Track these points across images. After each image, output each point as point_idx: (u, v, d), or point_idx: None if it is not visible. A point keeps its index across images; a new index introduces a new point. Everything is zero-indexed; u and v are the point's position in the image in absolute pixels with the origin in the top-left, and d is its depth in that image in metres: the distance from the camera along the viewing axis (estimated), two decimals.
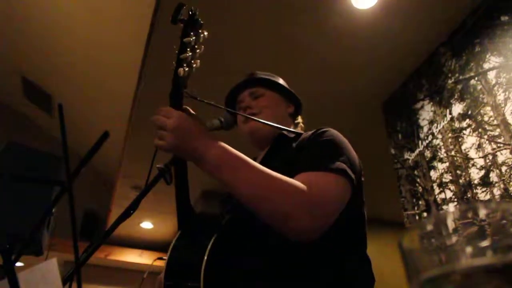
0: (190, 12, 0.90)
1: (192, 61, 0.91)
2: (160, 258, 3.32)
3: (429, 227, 0.30)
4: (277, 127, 1.12)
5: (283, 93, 1.29)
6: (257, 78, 1.29)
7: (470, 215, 0.30)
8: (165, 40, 2.64)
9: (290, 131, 1.17)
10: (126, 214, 0.93)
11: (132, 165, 4.07)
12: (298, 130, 1.26)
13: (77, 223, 0.74)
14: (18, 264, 0.79)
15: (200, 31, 0.92)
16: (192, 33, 0.90)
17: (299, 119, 1.35)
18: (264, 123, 1.11)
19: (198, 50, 0.93)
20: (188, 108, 0.98)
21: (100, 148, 0.77)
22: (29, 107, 5.43)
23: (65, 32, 4.00)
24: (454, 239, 0.29)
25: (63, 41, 4.13)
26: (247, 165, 0.89)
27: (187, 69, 0.90)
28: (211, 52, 0.93)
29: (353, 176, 0.95)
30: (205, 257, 0.91)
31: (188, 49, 0.90)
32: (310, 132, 1.12)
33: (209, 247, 0.93)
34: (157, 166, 0.96)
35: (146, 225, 5.61)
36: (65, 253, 3.97)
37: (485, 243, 0.28)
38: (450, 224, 0.30)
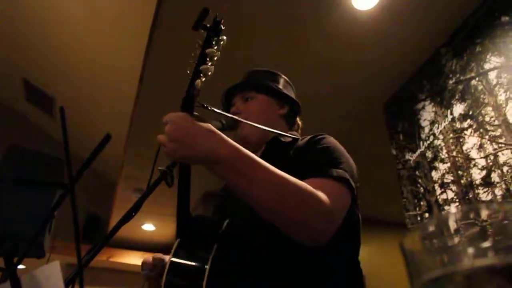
0: (215, 20, 0.83)
1: (208, 69, 0.87)
2: None
3: (431, 228, 0.30)
4: (271, 131, 1.11)
5: (275, 95, 1.27)
6: (247, 82, 1.29)
7: (472, 215, 0.30)
8: (166, 41, 2.65)
9: (284, 135, 1.16)
10: (128, 217, 0.92)
11: (133, 168, 4.07)
12: (294, 133, 1.24)
13: (79, 225, 0.74)
14: (20, 266, 0.80)
15: (220, 37, 0.86)
16: (214, 43, 0.85)
17: (298, 121, 1.34)
18: (260, 127, 1.09)
19: (215, 58, 0.87)
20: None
21: (102, 151, 0.77)
22: (31, 109, 5.45)
23: (66, 34, 4.01)
24: (456, 240, 0.29)
25: (65, 43, 4.14)
26: (263, 167, 0.84)
27: (203, 79, 0.85)
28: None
29: (354, 185, 0.96)
30: (206, 273, 0.90)
31: (208, 59, 0.85)
32: (306, 138, 1.11)
33: (209, 262, 0.92)
34: (159, 168, 0.96)
35: (148, 227, 5.61)
36: (66, 256, 3.96)
37: (487, 244, 0.28)
38: (452, 225, 0.30)
